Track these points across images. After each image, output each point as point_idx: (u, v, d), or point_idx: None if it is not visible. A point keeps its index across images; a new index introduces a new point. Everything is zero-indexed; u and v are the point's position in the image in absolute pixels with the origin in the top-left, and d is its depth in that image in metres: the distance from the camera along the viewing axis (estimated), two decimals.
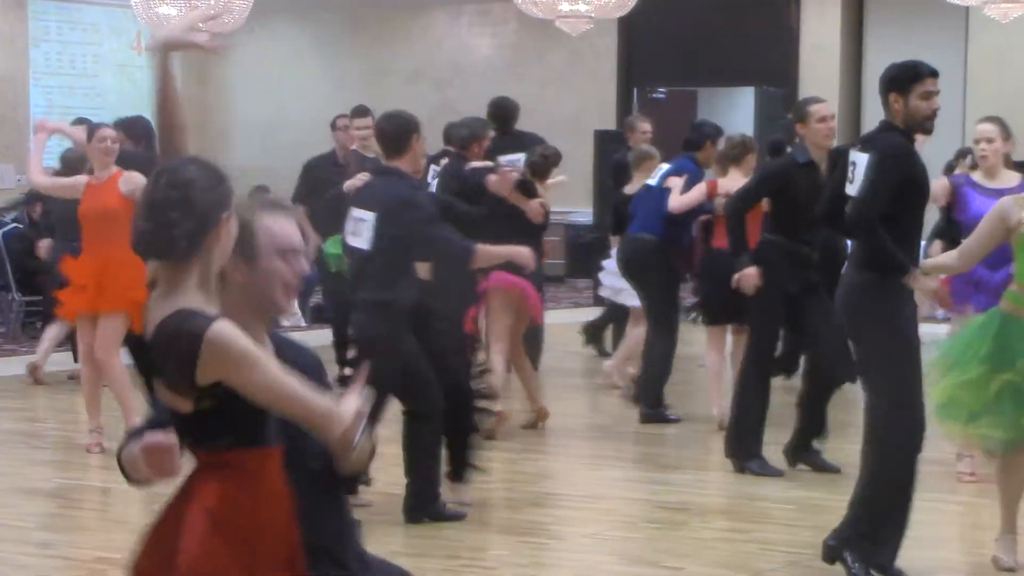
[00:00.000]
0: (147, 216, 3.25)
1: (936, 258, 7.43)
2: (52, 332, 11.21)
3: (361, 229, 7.15)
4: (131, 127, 10.29)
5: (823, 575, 6.28)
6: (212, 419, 3.33)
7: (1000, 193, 7.44)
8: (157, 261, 3.30)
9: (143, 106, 15.04)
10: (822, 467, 8.25)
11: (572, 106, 17.98)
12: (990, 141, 7.45)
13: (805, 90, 17.89)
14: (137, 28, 17.04)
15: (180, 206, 3.23)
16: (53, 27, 19.54)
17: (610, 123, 18.09)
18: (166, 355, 3.26)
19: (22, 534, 7.21)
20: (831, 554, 6.16)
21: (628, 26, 16.85)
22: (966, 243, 6.59)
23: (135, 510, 8.00)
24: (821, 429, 8.34)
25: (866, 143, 6.23)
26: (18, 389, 11.37)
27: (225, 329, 3.22)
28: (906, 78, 6.07)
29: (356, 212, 7.24)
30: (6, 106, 18.59)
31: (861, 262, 6.08)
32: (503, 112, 10.74)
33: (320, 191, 10.25)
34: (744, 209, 8.29)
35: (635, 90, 19.15)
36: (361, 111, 10.60)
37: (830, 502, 7.29)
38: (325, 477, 3.61)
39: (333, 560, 3.67)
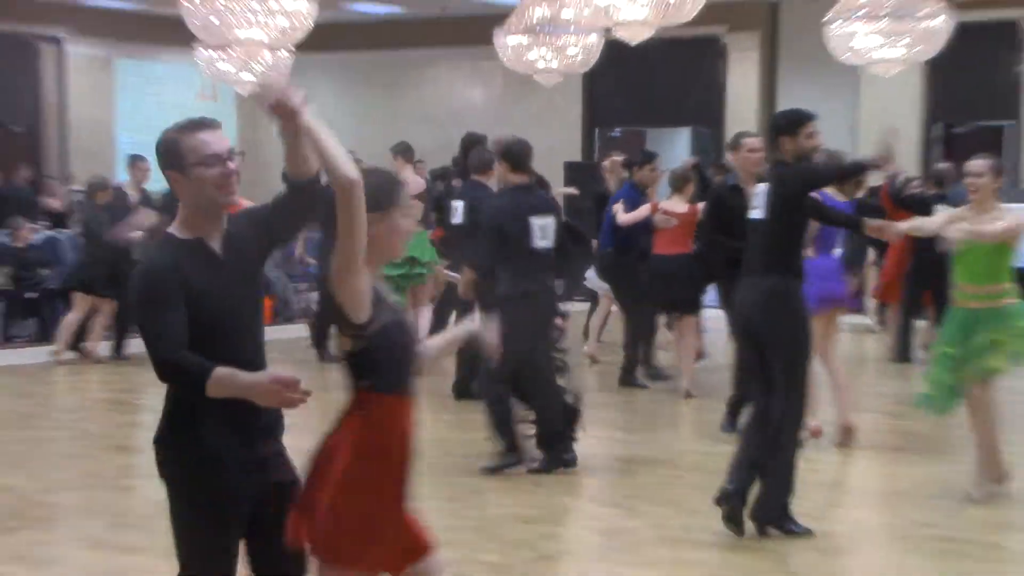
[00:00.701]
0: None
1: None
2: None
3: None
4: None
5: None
6: (360, 361, 3.38)
7: None
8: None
9: None
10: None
11: (547, 143, 17.80)
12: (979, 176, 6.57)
13: (729, 130, 17.98)
14: (201, 80, 17.02)
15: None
16: (133, 81, 19.50)
17: (576, 156, 18.32)
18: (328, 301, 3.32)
19: (108, 481, 7.13)
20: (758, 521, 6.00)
21: (590, 79, 16.94)
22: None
23: None
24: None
25: (764, 179, 6.22)
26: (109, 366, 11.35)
27: None
28: (793, 123, 6.06)
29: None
30: (97, 145, 18.50)
31: (768, 267, 5.98)
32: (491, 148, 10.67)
33: None
34: (713, 227, 8.38)
35: (596, 130, 19.21)
36: (403, 150, 11.03)
37: None
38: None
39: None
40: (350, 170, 3.23)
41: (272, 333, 9.92)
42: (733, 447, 6.05)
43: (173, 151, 3.33)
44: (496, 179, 7.31)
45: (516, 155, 7.24)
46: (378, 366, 3.38)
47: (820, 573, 5.59)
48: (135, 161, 12.32)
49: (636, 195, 9.88)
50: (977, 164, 6.46)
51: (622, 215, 9.67)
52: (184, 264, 3.28)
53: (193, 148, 3.31)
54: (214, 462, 3.31)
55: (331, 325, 6.49)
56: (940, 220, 6.84)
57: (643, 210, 9.57)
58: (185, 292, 3.23)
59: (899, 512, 6.50)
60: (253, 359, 3.36)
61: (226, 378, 3.18)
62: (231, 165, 3.33)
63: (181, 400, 3.33)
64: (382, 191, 3.39)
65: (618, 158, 11.04)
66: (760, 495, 5.86)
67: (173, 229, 3.38)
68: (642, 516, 6.45)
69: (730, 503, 5.76)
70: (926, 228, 6.91)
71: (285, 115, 3.25)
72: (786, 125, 6.08)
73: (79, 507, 6.63)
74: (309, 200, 3.45)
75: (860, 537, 6.06)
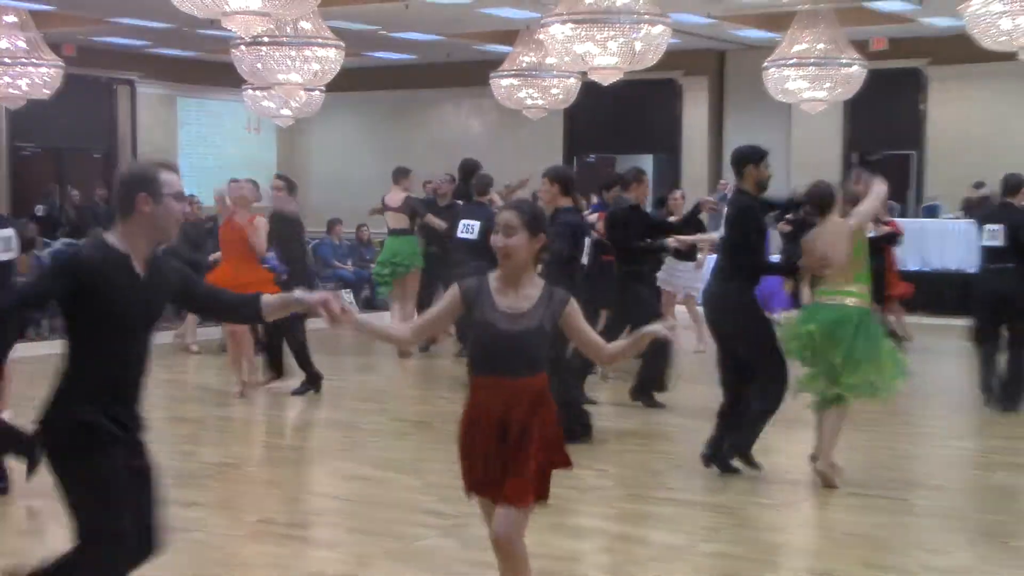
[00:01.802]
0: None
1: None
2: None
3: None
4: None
5: (698, 472, 6.27)
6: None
7: None
8: None
9: (251, 167, 15.11)
10: (653, 405, 8.14)
11: (533, 167, 17.86)
12: None
13: (685, 156, 18.05)
14: (248, 115, 16.99)
15: None
16: (192, 115, 19.45)
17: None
18: None
19: (172, 446, 6.97)
20: (709, 461, 6.21)
21: (570, 113, 16.92)
22: None
23: (249, 428, 8.13)
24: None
25: (728, 203, 6.31)
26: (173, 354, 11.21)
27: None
28: (758, 155, 6.19)
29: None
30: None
31: (728, 275, 6.10)
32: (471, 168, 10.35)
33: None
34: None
35: (575, 156, 19.16)
36: (402, 173, 11.00)
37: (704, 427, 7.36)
38: None
39: None
40: (404, 334, 3.87)
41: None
42: (696, 422, 6.11)
43: (152, 179, 3.23)
44: (544, 200, 7.16)
45: (567, 180, 7.11)
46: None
47: (762, 522, 5.56)
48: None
49: (603, 207, 9.38)
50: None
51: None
52: (107, 267, 3.19)
53: (170, 183, 3.26)
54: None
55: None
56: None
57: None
58: (95, 286, 3.15)
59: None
60: (137, 358, 3.28)
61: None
62: (187, 207, 3.32)
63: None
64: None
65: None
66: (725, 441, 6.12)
67: (111, 237, 3.26)
68: (612, 477, 6.41)
69: (713, 461, 6.15)
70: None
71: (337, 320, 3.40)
72: (752, 156, 6.18)
73: None
74: (246, 319, 3.48)
75: (795, 495, 6.00)
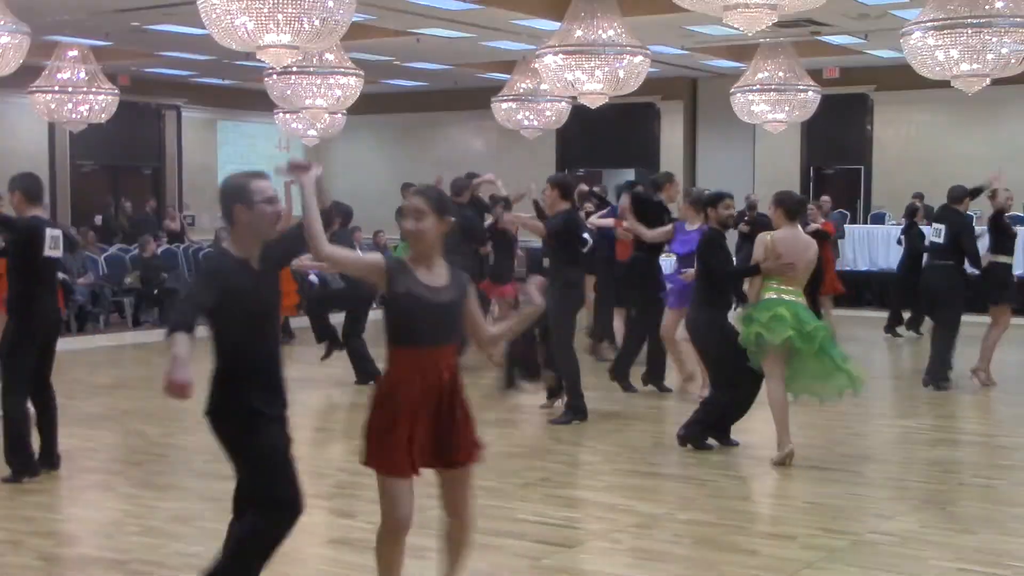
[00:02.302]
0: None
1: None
2: None
3: None
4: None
5: (675, 449, 6.25)
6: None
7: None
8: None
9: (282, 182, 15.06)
10: (629, 389, 8.02)
11: (529, 180, 17.95)
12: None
13: (663, 169, 18.02)
14: (279, 135, 16.95)
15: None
16: (231, 135, 19.39)
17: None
18: None
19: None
20: (683, 440, 6.21)
21: (562, 133, 16.93)
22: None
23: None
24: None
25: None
26: None
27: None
28: (714, 199, 6.32)
29: None
30: (203, 183, 18.19)
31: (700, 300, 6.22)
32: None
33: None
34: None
35: (566, 170, 19.06)
36: (406, 187, 10.80)
37: (678, 408, 7.32)
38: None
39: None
40: (322, 245, 3.26)
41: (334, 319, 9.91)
42: (672, 404, 6.14)
43: (244, 189, 3.26)
44: (548, 204, 7.25)
45: (566, 186, 7.26)
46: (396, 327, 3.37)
47: (732, 493, 5.53)
48: None
49: (614, 209, 9.00)
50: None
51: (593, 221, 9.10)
52: (232, 274, 3.22)
53: (261, 190, 3.27)
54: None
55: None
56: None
57: (607, 220, 8.97)
58: (224, 291, 3.16)
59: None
60: (274, 342, 3.35)
61: (179, 343, 2.99)
62: (280, 207, 3.32)
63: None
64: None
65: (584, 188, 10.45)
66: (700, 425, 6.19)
67: (227, 245, 3.31)
68: (600, 453, 6.38)
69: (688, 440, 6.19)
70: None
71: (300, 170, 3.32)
72: (710, 201, 6.36)
73: (190, 446, 6.52)
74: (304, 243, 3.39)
75: (760, 469, 5.97)
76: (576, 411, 7.07)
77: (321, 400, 8.34)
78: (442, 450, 3.28)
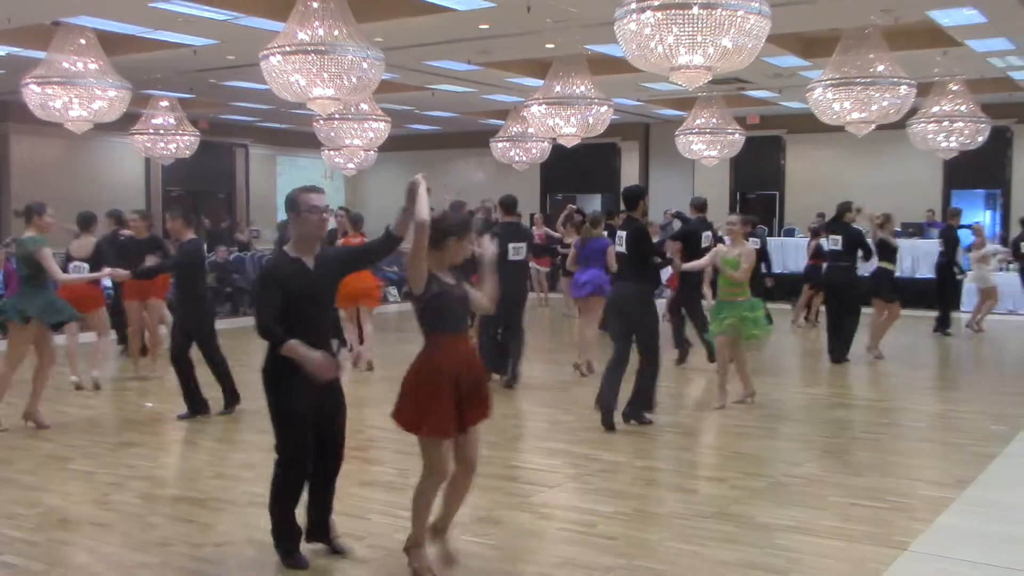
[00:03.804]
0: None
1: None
2: None
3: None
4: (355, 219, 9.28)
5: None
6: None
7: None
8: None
9: (331, 205, 14.92)
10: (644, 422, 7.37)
11: (520, 203, 17.99)
12: (732, 223, 6.26)
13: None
14: (324, 168, 16.84)
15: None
16: (286, 168, 19.26)
17: (537, 210, 18.17)
18: None
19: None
20: (626, 418, 5.94)
21: (545, 166, 16.89)
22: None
23: None
24: None
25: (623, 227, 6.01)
26: None
27: None
28: (637, 195, 5.85)
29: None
30: (265, 204, 18.26)
31: (636, 278, 5.73)
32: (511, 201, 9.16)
33: None
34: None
35: (548, 195, 19.06)
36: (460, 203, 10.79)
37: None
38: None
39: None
40: (424, 216, 3.12)
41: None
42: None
43: (295, 200, 3.24)
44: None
45: (509, 205, 7.07)
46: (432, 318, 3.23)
47: (677, 445, 5.50)
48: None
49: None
50: (734, 217, 6.28)
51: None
52: (286, 272, 3.17)
53: (306, 201, 3.23)
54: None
55: None
56: (708, 259, 6.43)
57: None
58: (283, 289, 3.12)
59: (725, 414, 6.40)
60: (324, 333, 3.26)
61: (294, 348, 3.06)
62: (326, 216, 3.24)
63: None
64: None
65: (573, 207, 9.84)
66: (629, 403, 5.78)
67: (288, 247, 3.25)
68: (574, 414, 6.32)
69: (603, 410, 5.68)
70: (698, 266, 6.54)
71: (413, 183, 3.17)
72: (631, 197, 5.84)
73: (252, 409, 6.25)
74: (392, 248, 3.32)
75: (699, 426, 5.96)
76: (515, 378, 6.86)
77: (366, 371, 8.31)
78: (463, 414, 3.23)
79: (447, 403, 3.11)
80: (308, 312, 3.19)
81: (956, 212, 10.78)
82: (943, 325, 10.30)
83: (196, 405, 6.03)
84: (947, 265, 10.34)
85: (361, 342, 8.30)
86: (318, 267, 3.26)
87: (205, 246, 6.68)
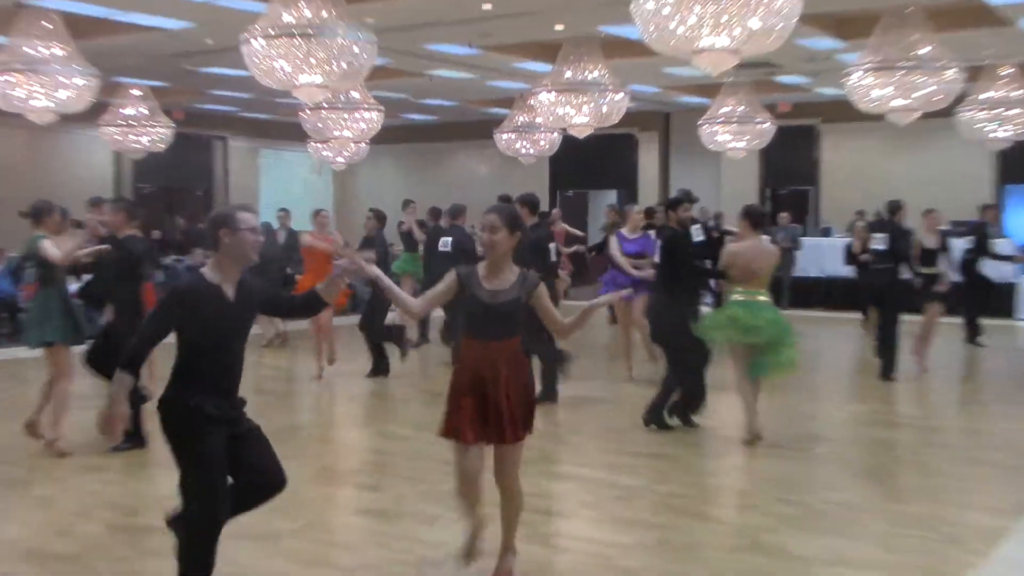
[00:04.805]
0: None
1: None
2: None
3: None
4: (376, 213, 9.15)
5: (651, 431, 6.24)
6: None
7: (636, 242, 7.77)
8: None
9: (316, 201, 14.97)
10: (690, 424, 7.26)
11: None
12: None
13: (641, 191, 17.97)
14: (311, 162, 16.89)
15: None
16: (271, 163, 19.31)
17: (544, 207, 18.20)
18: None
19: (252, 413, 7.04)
20: (647, 422, 6.19)
21: (554, 159, 16.86)
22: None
23: (312, 400, 8.04)
24: None
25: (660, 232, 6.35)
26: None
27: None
28: (676, 202, 6.21)
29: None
30: (247, 202, 18.36)
31: (668, 289, 6.11)
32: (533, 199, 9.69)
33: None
34: None
35: (557, 191, 19.09)
36: (405, 203, 10.92)
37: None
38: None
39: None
40: (413, 306, 3.40)
41: (346, 320, 9.85)
42: (648, 391, 6.11)
43: (231, 217, 3.16)
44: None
45: (534, 205, 7.19)
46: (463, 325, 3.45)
47: (701, 469, 5.50)
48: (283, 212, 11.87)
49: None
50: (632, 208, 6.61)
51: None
52: (201, 298, 3.09)
53: (245, 219, 3.17)
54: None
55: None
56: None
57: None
58: (192, 318, 3.06)
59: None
60: (233, 363, 3.18)
61: (121, 384, 2.99)
62: (261, 238, 3.21)
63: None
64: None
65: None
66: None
67: (206, 270, 3.18)
68: (587, 435, 6.33)
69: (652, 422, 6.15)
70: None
71: (353, 269, 3.27)
72: (673, 204, 6.26)
73: None
74: (314, 310, 3.36)
75: (726, 448, 5.95)
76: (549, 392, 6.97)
77: (356, 389, 8.30)
78: (491, 429, 3.32)
79: (465, 407, 3.28)
80: (220, 349, 3.12)
81: (991, 207, 10.80)
82: (973, 333, 10.31)
83: (132, 437, 5.57)
84: (973, 263, 10.40)
85: (330, 361, 8.43)
86: (240, 298, 3.16)
87: (152, 248, 6.49)
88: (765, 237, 6.20)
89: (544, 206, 18.44)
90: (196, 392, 3.08)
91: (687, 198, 6.25)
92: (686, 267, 6.06)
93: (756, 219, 5.86)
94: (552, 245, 7.13)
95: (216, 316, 3.09)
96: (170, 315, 3.07)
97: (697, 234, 6.61)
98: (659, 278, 6.29)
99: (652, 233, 8.12)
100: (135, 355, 3.03)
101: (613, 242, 8.03)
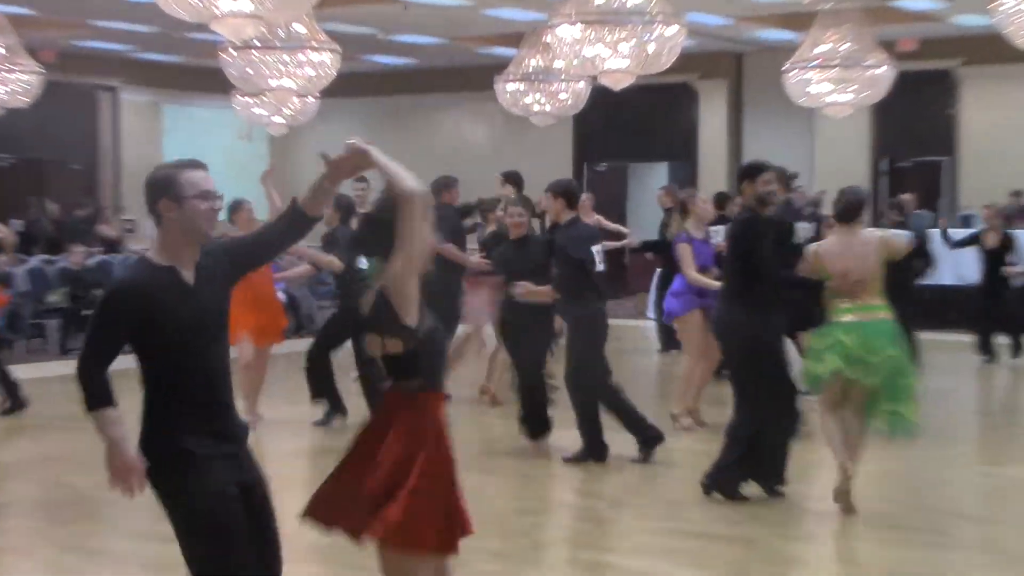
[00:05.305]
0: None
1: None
2: None
3: None
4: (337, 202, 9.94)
5: (717, 502, 6.20)
6: (409, 361, 3.27)
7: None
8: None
9: (243, 177, 14.99)
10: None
11: (541, 177, 17.83)
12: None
13: (702, 164, 18.04)
14: (238, 123, 16.96)
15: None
16: (179, 124, 19.53)
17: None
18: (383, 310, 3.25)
19: None
20: (708, 488, 6.22)
21: (579, 120, 16.91)
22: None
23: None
24: None
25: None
26: None
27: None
28: (752, 171, 6.21)
29: None
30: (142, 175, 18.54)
31: (735, 295, 6.12)
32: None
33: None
34: None
35: (584, 164, 19.17)
36: (360, 177, 10.91)
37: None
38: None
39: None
40: (412, 184, 3.27)
41: (296, 345, 9.89)
42: (717, 445, 6.15)
43: (172, 183, 3.22)
44: (554, 214, 7.33)
45: (572, 193, 7.32)
46: (427, 366, 3.31)
47: (788, 558, 5.52)
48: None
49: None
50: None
51: None
52: (152, 289, 3.15)
53: (192, 183, 3.22)
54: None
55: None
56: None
57: None
58: (145, 318, 3.12)
59: (869, 504, 6.37)
60: (218, 368, 3.25)
61: (103, 424, 3.08)
62: (218, 204, 3.26)
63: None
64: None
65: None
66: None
67: (151, 254, 3.24)
68: (627, 508, 6.36)
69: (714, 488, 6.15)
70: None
71: (358, 154, 3.30)
72: (746, 173, 6.27)
73: (128, 501, 6.47)
74: (302, 231, 3.41)
75: (820, 527, 5.95)
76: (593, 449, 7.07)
77: (302, 441, 8.34)
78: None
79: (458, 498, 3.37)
80: (192, 350, 3.17)
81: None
82: (983, 350, 10.37)
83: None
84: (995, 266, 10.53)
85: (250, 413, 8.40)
86: (201, 279, 3.23)
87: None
88: (872, 230, 6.16)
89: None
90: (183, 424, 3.15)
91: (771, 167, 6.25)
92: (764, 265, 5.99)
93: (850, 207, 5.88)
94: (598, 248, 7.15)
95: (177, 309, 3.15)
96: (117, 320, 3.12)
97: (805, 231, 6.61)
98: (726, 278, 6.27)
99: (717, 232, 8.16)
100: (93, 384, 3.10)
101: (685, 251, 7.94)
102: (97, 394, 3.09)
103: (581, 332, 7.01)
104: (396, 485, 3.20)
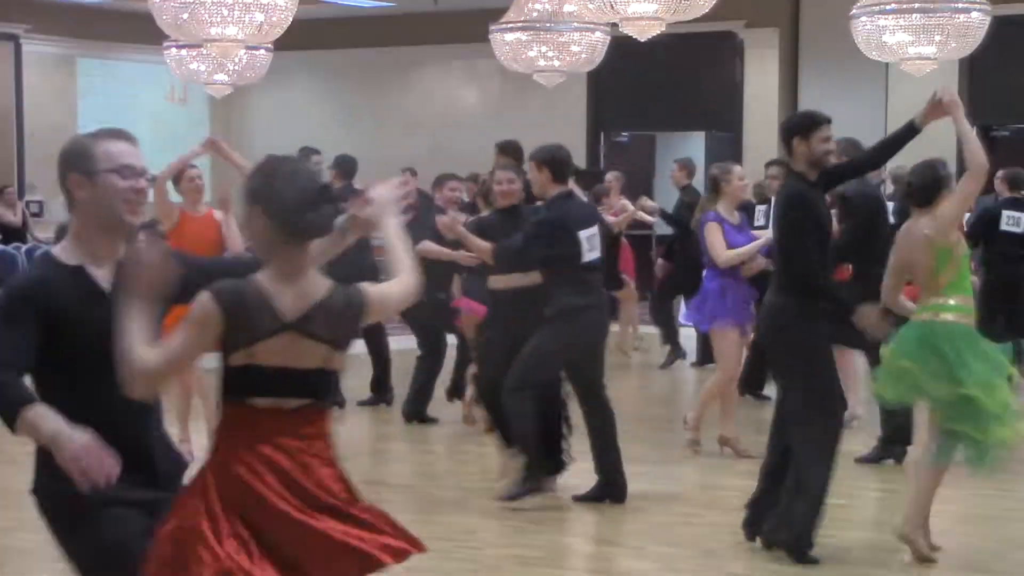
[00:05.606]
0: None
1: None
2: None
3: None
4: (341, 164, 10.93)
5: (762, 551, 6.20)
6: (335, 378, 3.23)
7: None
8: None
9: (176, 149, 14.97)
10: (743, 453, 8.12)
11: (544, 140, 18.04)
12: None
13: (748, 134, 18.04)
14: (171, 81, 16.99)
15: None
16: (98, 82, 19.55)
17: (580, 162, 18.18)
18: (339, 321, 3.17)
19: None
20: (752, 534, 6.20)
21: (596, 79, 16.95)
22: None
23: None
24: None
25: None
26: None
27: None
28: (806, 125, 6.05)
29: None
30: (57, 152, 18.55)
31: (782, 286, 6.09)
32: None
33: None
34: None
35: (602, 134, 19.21)
36: (309, 152, 11.20)
37: None
38: None
39: None
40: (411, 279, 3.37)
41: None
42: (754, 482, 6.15)
43: (83, 154, 3.23)
44: (538, 188, 7.25)
45: (561, 163, 7.17)
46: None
47: None
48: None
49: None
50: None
51: None
52: (55, 293, 3.13)
53: (108, 155, 3.21)
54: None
55: None
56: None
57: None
58: (49, 319, 3.09)
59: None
60: (129, 397, 3.13)
61: (37, 421, 2.97)
62: (143, 183, 3.23)
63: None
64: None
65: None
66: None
67: (58, 250, 3.24)
68: (651, 557, 6.39)
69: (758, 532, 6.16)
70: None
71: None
72: (798, 127, 6.08)
73: (37, 548, 6.51)
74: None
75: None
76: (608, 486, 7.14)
77: None
78: None
79: None
80: (98, 374, 3.13)
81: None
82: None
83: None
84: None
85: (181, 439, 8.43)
86: (123, 282, 3.14)
87: None
88: (929, 216, 6.07)
89: (581, 157, 18.57)
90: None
91: (825, 119, 6.13)
92: (802, 259, 5.93)
93: (922, 191, 5.98)
94: (589, 233, 7.16)
95: (83, 319, 3.13)
96: (19, 316, 3.09)
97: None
98: (775, 264, 6.25)
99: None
100: (8, 392, 3.03)
101: (714, 232, 7.98)
102: (14, 399, 3.01)
103: (548, 329, 6.92)
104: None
